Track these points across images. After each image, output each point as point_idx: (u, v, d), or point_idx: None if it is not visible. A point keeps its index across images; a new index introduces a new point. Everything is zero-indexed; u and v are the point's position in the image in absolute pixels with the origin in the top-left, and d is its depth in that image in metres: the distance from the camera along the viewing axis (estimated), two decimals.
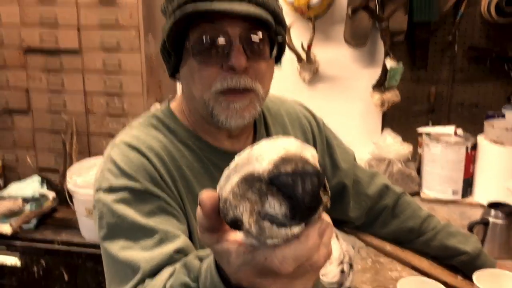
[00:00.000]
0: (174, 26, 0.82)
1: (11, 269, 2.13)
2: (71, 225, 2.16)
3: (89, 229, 2.07)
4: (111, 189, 0.82)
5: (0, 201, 2.17)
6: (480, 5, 2.05)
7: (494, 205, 1.52)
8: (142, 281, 0.75)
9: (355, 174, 1.13)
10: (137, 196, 0.82)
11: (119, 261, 0.78)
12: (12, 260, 2.13)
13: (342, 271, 2.04)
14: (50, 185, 2.15)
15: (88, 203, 2.00)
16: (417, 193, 1.92)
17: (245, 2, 0.81)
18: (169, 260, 0.76)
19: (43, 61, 2.24)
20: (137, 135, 0.89)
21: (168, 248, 0.77)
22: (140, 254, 0.78)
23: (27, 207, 2.18)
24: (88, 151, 2.28)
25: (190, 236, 0.85)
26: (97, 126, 2.27)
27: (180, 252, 0.77)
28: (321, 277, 2.09)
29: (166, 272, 0.71)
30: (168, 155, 0.88)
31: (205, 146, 0.92)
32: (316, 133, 1.10)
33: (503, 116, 2.03)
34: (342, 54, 2.21)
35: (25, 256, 2.12)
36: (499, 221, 1.48)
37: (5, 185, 2.34)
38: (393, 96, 2.13)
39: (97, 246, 1.99)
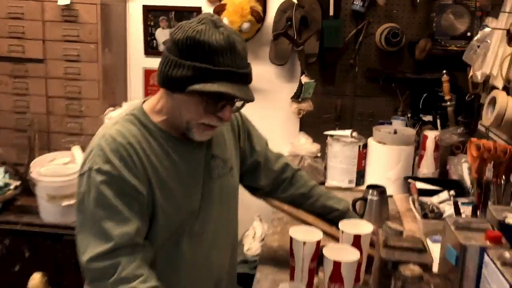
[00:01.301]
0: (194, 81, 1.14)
1: None
2: (31, 210, 2.48)
3: (48, 213, 2.41)
4: (99, 171, 1.17)
5: None
6: (375, 36, 2.61)
7: (371, 187, 2.02)
8: (113, 249, 1.12)
9: (266, 155, 1.58)
10: (114, 181, 1.17)
11: (96, 226, 1.15)
12: None
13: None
14: (18, 175, 2.46)
15: (49, 189, 2.35)
16: (323, 183, 2.41)
17: (246, 85, 1.18)
18: (131, 241, 1.14)
19: (10, 68, 2.57)
20: (120, 130, 1.23)
21: (130, 228, 1.15)
22: (112, 228, 1.14)
23: None
24: (48, 147, 2.62)
25: (154, 205, 1.23)
26: (57, 125, 2.62)
27: (137, 233, 1.16)
28: (246, 251, 2.54)
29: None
30: (140, 146, 1.23)
31: (167, 137, 1.28)
32: (240, 125, 1.52)
33: (391, 123, 2.58)
34: (267, 70, 2.70)
35: None
36: (374, 198, 1.98)
37: None
38: (307, 106, 2.64)
39: (55, 227, 2.33)
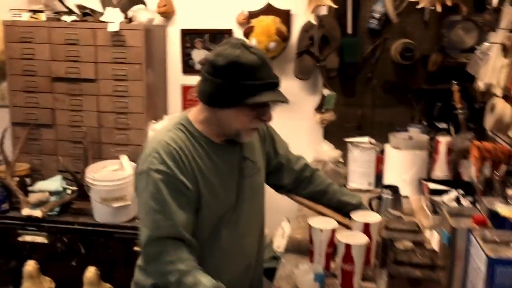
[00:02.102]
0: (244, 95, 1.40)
1: (40, 245, 2.76)
2: (86, 212, 2.80)
3: (101, 214, 2.73)
4: (157, 171, 1.44)
5: (31, 194, 2.83)
6: (390, 51, 2.85)
7: (386, 187, 2.25)
8: (161, 237, 1.39)
9: (288, 157, 1.83)
10: (169, 179, 1.42)
11: (150, 215, 1.43)
12: (40, 239, 2.77)
13: None
14: (75, 181, 2.80)
15: (102, 192, 2.67)
16: (344, 185, 2.65)
17: (279, 90, 1.46)
18: (177, 232, 1.41)
19: (67, 87, 2.94)
20: (172, 137, 1.50)
21: (176, 221, 1.41)
22: (162, 219, 1.39)
23: (52, 198, 2.84)
24: (99, 156, 2.96)
25: (200, 200, 1.50)
26: (107, 137, 2.96)
27: (183, 226, 1.42)
28: (277, 249, 2.79)
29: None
30: (188, 150, 1.50)
31: (209, 142, 1.54)
32: (265, 132, 1.78)
33: (407, 131, 2.79)
34: (292, 85, 2.98)
35: (51, 235, 2.76)
36: (389, 197, 2.21)
37: (32, 183, 2.98)
38: (330, 116, 2.90)
39: (106, 226, 2.64)
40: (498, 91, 2.04)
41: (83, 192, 2.79)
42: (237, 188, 1.59)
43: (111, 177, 2.70)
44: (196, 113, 1.56)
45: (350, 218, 1.78)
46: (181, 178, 1.44)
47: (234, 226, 1.60)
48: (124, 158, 2.85)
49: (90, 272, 2.61)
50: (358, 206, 1.85)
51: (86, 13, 2.93)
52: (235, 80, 1.40)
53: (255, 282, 1.79)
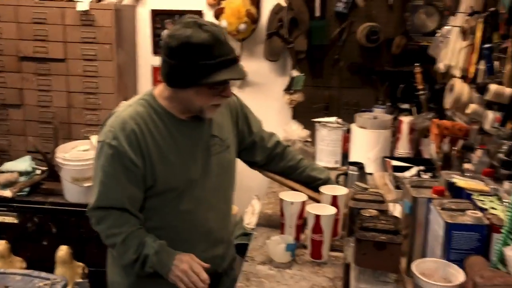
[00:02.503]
0: (201, 74, 1.42)
1: (10, 225, 2.75)
2: (56, 192, 2.81)
3: (72, 193, 2.74)
4: (109, 145, 1.49)
5: (0, 174, 2.81)
6: (356, 34, 2.94)
7: (352, 163, 2.35)
8: (103, 207, 1.50)
9: (261, 135, 1.89)
10: (119, 155, 1.47)
11: (98, 185, 1.51)
12: (10, 219, 2.76)
13: None
14: (46, 161, 2.79)
15: (73, 172, 2.68)
16: None
17: (239, 65, 1.48)
18: (120, 204, 1.49)
19: (35, 67, 2.90)
20: (131, 112, 1.52)
21: (120, 194, 1.49)
22: (107, 190, 1.49)
23: (22, 179, 2.82)
24: (69, 137, 2.95)
25: (154, 174, 1.53)
26: (77, 117, 2.95)
27: (128, 199, 1.50)
28: (247, 226, 2.87)
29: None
30: (146, 126, 1.53)
31: (170, 117, 1.58)
32: (238, 110, 1.83)
33: (372, 111, 2.91)
34: (262, 66, 3.04)
35: (21, 215, 2.75)
36: (354, 173, 2.31)
37: (0, 164, 2.95)
38: (298, 97, 2.98)
39: (78, 206, 2.66)
40: (457, 72, 2.16)
41: (53, 173, 2.79)
42: (202, 164, 1.62)
43: (82, 157, 2.70)
44: (161, 89, 1.59)
45: (319, 192, 1.87)
46: (130, 155, 1.49)
47: (198, 200, 1.63)
48: (94, 138, 2.84)
49: (62, 251, 2.63)
50: (327, 181, 1.94)
51: None
52: (188, 61, 1.41)
53: (230, 257, 1.86)
